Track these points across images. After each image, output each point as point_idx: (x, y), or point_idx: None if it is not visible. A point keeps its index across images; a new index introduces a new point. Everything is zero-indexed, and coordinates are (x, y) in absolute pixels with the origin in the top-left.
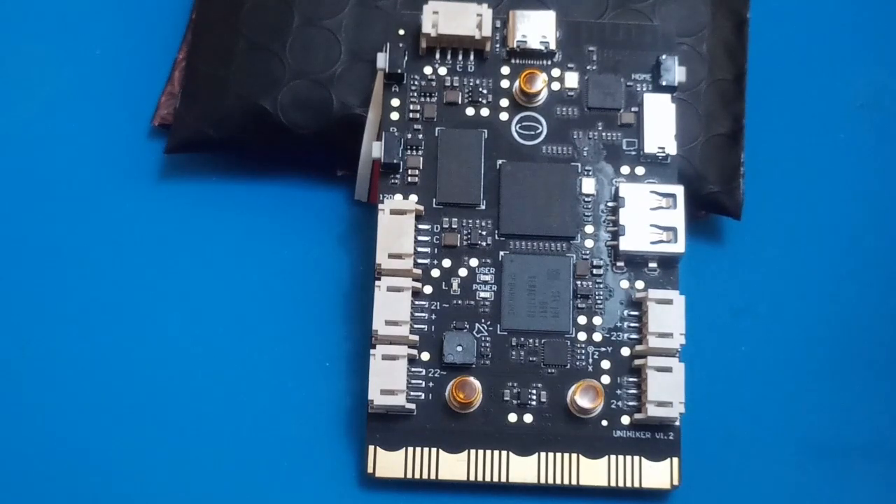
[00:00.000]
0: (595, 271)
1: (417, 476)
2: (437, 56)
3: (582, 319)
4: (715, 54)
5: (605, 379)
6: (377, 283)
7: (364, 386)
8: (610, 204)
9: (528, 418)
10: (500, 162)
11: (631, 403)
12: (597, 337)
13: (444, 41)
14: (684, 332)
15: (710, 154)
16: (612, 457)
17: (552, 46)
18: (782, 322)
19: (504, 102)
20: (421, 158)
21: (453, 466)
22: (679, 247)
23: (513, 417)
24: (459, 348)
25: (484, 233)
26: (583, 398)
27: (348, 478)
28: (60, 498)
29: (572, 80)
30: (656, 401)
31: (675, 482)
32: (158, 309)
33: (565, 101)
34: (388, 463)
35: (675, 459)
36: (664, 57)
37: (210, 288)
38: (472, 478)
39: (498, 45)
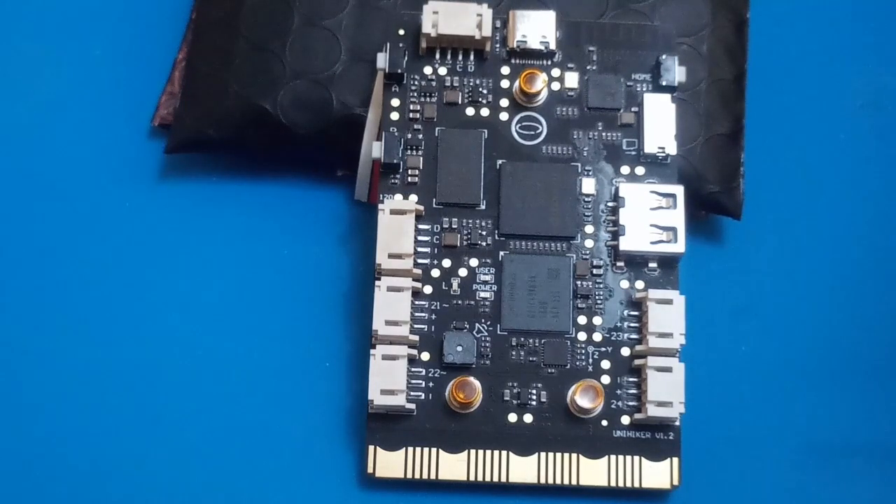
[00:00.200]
0: (595, 271)
1: (417, 476)
2: (437, 56)
3: (582, 319)
4: (715, 54)
5: (605, 379)
6: (377, 283)
7: (364, 386)
8: (610, 204)
9: (528, 418)
10: (500, 162)
11: (631, 403)
12: (597, 337)
13: (444, 41)
14: (684, 332)
15: (710, 154)
16: (612, 457)
17: (552, 46)
18: (782, 322)
19: (504, 102)
20: (421, 158)
21: (453, 466)
22: (679, 247)
23: (513, 417)
24: (459, 348)
25: (484, 233)
26: (583, 398)
27: (348, 478)
28: (60, 498)
29: (572, 80)
30: (656, 401)
31: (675, 482)
32: (158, 309)
33: (565, 101)
34: (388, 463)
35: (675, 459)
36: (664, 57)
37: (210, 288)
38: (472, 478)
39: (498, 45)
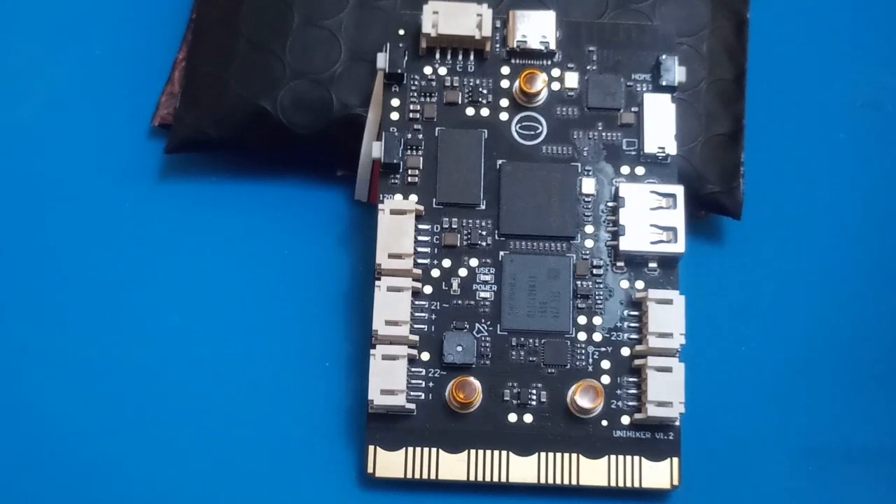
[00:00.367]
0: (595, 271)
1: (417, 476)
2: (437, 56)
3: (582, 319)
4: (715, 54)
5: (605, 379)
6: (377, 283)
7: (364, 386)
8: (610, 204)
9: (528, 418)
10: (500, 162)
11: (631, 403)
12: (597, 337)
13: (444, 41)
14: (684, 332)
15: (710, 154)
16: (612, 457)
17: (552, 46)
18: (782, 322)
19: (504, 102)
20: (421, 158)
21: (453, 466)
22: (679, 247)
23: (513, 417)
24: (459, 348)
25: (484, 233)
26: (583, 398)
27: (348, 478)
28: (60, 498)
29: (572, 80)
30: (656, 401)
31: (675, 482)
32: (158, 309)
33: (565, 101)
34: (388, 463)
35: (675, 459)
36: (664, 57)
37: (210, 288)
38: (472, 478)
39: (498, 45)
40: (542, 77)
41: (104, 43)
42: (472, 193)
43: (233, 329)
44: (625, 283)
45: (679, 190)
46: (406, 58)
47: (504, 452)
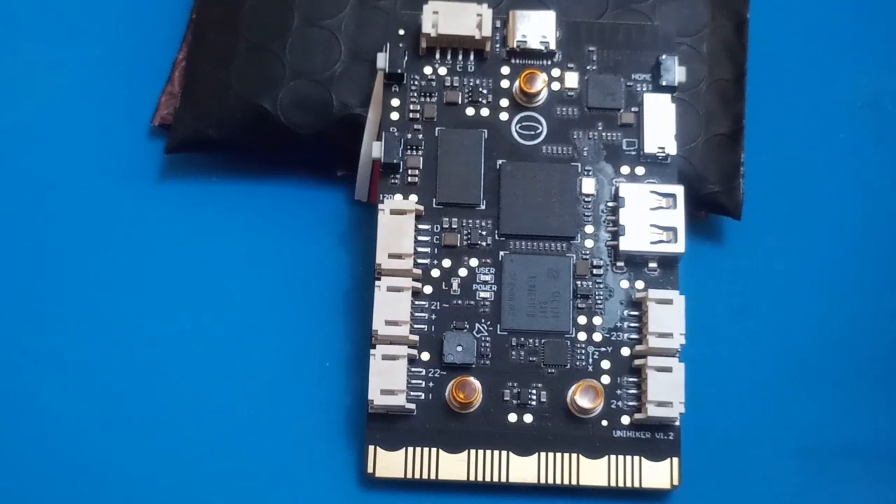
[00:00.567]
0: (595, 271)
1: (417, 476)
2: (437, 56)
3: (582, 319)
4: (715, 54)
5: (605, 379)
6: (377, 283)
7: (364, 386)
8: (610, 204)
9: (528, 418)
10: (500, 162)
11: (631, 403)
12: (597, 337)
13: (444, 41)
14: (684, 332)
15: (710, 154)
16: (612, 457)
17: (552, 46)
18: (782, 322)
19: (504, 102)
20: (421, 158)
21: (453, 466)
22: (679, 247)
23: (513, 417)
24: (459, 348)
25: (484, 233)
26: (583, 398)
27: (348, 478)
28: (60, 498)
29: (572, 80)
30: (656, 401)
31: (675, 482)
32: (158, 309)
33: (565, 101)
34: (388, 463)
35: (675, 459)
36: (664, 57)
37: (210, 288)
38: (472, 478)
39: (498, 45)
40: (542, 77)
41: (104, 43)
42: (472, 193)
43: (233, 329)
44: (625, 283)
45: (679, 190)
46: (406, 58)
47: (504, 452)
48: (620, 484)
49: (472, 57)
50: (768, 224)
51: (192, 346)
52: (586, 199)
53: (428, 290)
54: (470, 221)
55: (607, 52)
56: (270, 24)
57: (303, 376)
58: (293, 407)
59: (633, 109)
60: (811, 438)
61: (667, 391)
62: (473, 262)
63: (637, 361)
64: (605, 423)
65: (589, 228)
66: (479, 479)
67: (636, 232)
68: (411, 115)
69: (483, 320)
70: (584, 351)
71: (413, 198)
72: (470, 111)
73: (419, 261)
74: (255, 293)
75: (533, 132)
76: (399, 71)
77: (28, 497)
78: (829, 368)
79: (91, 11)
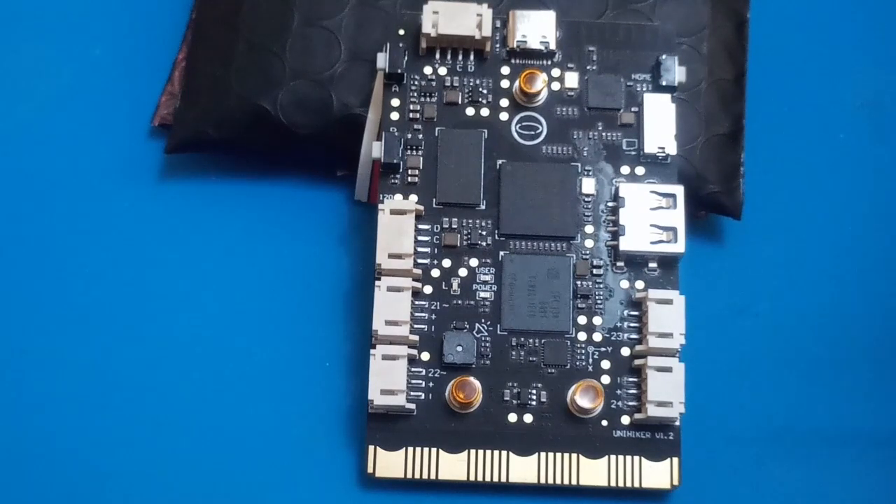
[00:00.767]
0: (595, 271)
1: (417, 476)
2: (437, 56)
3: (582, 319)
4: (715, 54)
5: (605, 379)
6: (377, 283)
7: (364, 386)
8: (610, 204)
9: (528, 418)
10: (500, 162)
11: (631, 403)
12: (597, 337)
13: (444, 41)
14: (684, 332)
15: (710, 154)
16: (612, 457)
17: (552, 46)
18: (782, 322)
19: (504, 102)
20: (421, 158)
21: (453, 466)
22: (679, 247)
23: (513, 417)
24: (459, 348)
25: (484, 233)
26: (583, 398)
27: (348, 478)
28: (60, 497)
29: (572, 80)
30: (656, 401)
31: (675, 482)
32: (158, 309)
33: (565, 101)
34: (388, 463)
35: (675, 459)
36: (664, 57)
37: (210, 288)
38: (472, 478)
39: (498, 45)
40: (542, 77)
41: (104, 43)
42: (472, 193)
43: (233, 329)
44: (625, 283)
45: (679, 190)
46: (406, 58)
47: (504, 452)
48: (620, 484)
49: (472, 57)
50: (768, 224)
51: (192, 346)
52: (586, 199)
53: (428, 290)
54: (470, 221)
55: (607, 52)
56: (270, 24)
57: (303, 376)
58: (293, 407)
59: (633, 109)
60: (811, 438)
61: (667, 391)
62: (473, 262)
63: (637, 361)
64: (605, 423)
65: (589, 228)
66: (479, 479)
67: (636, 232)
68: (411, 115)
69: (483, 320)
70: (584, 351)
71: (413, 198)
72: (470, 111)
73: (419, 261)
74: (255, 293)
75: (533, 132)
76: (399, 71)
77: (28, 497)
78: (829, 368)
79: (91, 11)
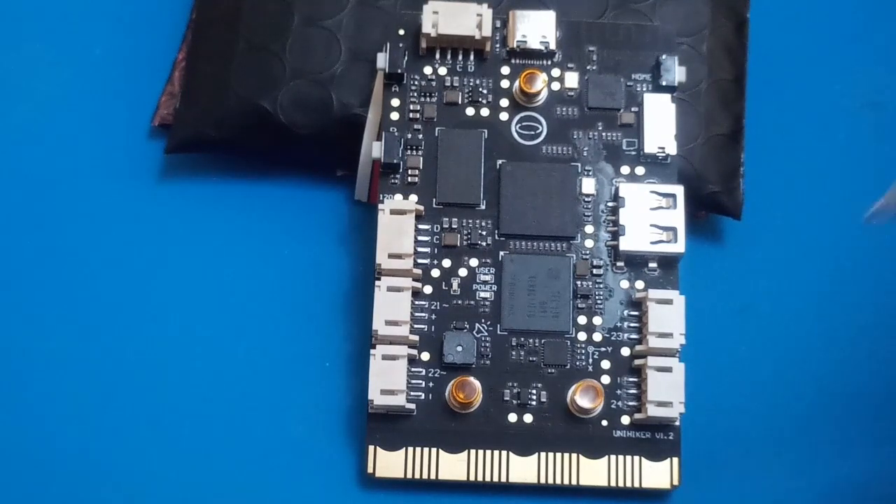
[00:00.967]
0: (595, 271)
1: (417, 476)
2: (437, 56)
3: (582, 319)
4: (715, 54)
5: (605, 379)
6: (377, 283)
7: (364, 386)
8: (610, 204)
9: (528, 418)
10: (500, 162)
11: (631, 403)
12: (597, 337)
13: (444, 41)
14: (684, 332)
15: (710, 154)
16: (612, 457)
17: (552, 46)
18: (783, 322)
19: (504, 102)
20: (421, 158)
21: (453, 466)
22: (679, 247)
23: (513, 417)
24: (459, 348)
25: (484, 233)
26: (583, 398)
27: (348, 478)
28: (60, 497)
29: (572, 80)
30: (656, 401)
31: (675, 482)
32: (158, 309)
33: (565, 101)
34: (388, 463)
35: (675, 459)
36: (664, 57)
37: (210, 288)
38: (472, 478)
39: (498, 45)
40: (542, 77)
41: (104, 43)
42: (472, 193)
43: (233, 329)
44: (625, 283)
45: (679, 190)
46: (406, 58)
47: (504, 452)
48: (620, 484)
49: (472, 57)
50: (768, 224)
51: (191, 346)
52: (586, 199)
53: (428, 290)
54: (470, 221)
55: (607, 52)
56: (270, 24)
57: (303, 376)
58: (293, 407)
59: (633, 109)
60: (811, 438)
61: (667, 391)
62: (473, 262)
63: (637, 361)
64: (605, 423)
65: (589, 228)
66: (479, 479)
67: (636, 232)
68: (411, 115)
69: (483, 320)
70: (584, 351)
71: (413, 198)
72: (470, 111)
73: (419, 261)
74: (255, 293)
75: (533, 132)
76: (399, 71)
77: (28, 497)
78: (828, 368)
79: (91, 11)
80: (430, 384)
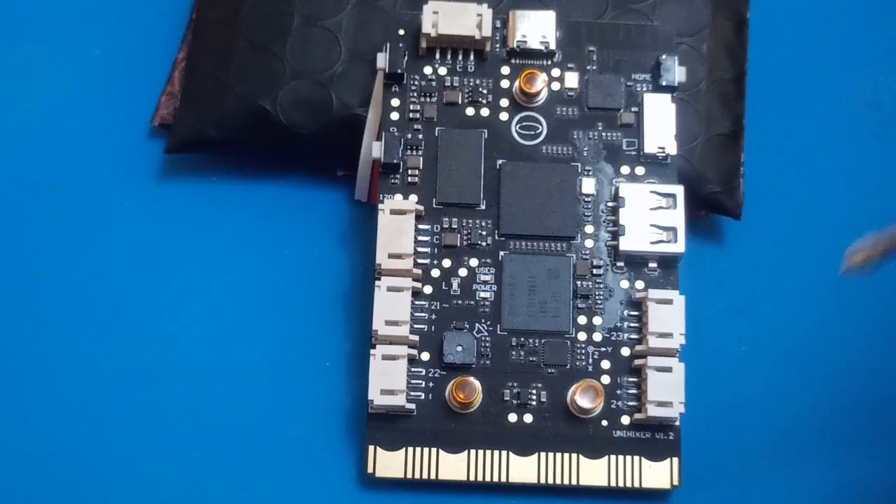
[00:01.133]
0: (595, 271)
1: (417, 476)
2: (437, 56)
3: (582, 319)
4: (715, 54)
5: (605, 379)
6: (377, 283)
7: (364, 386)
8: (610, 204)
9: (528, 418)
10: (500, 162)
11: (631, 403)
12: (597, 337)
13: (444, 41)
14: (684, 332)
15: (710, 154)
16: (612, 457)
17: (552, 46)
18: (782, 322)
19: (504, 102)
20: (421, 158)
21: (453, 466)
22: (679, 247)
23: (513, 417)
24: (459, 348)
25: (484, 233)
26: (583, 398)
27: (348, 478)
28: (60, 498)
29: (572, 80)
30: (656, 401)
31: (675, 482)
32: (158, 309)
33: (565, 101)
34: (388, 463)
35: (675, 459)
36: (664, 57)
37: (210, 288)
38: (472, 478)
39: (498, 45)
40: (542, 77)
41: (104, 43)
42: (472, 193)
43: (233, 329)
44: (625, 283)
45: (679, 190)
46: (406, 58)
47: (504, 452)
48: (620, 484)
49: (472, 57)
50: (768, 224)
51: (191, 346)
52: (586, 199)
53: (428, 290)
54: (470, 221)
55: (607, 52)
56: (270, 24)
57: (303, 376)
58: (293, 407)
59: (633, 109)
60: (811, 438)
61: (667, 391)
62: (473, 262)
63: (637, 361)
64: (605, 423)
65: (589, 228)
66: (479, 479)
67: (636, 232)
68: (411, 115)
69: (483, 320)
70: (584, 351)
71: (413, 198)
72: (470, 111)
73: (419, 261)
74: (255, 293)
75: (533, 132)
76: (399, 71)
77: (28, 497)
78: (828, 368)
79: (91, 11)
80: (430, 384)
